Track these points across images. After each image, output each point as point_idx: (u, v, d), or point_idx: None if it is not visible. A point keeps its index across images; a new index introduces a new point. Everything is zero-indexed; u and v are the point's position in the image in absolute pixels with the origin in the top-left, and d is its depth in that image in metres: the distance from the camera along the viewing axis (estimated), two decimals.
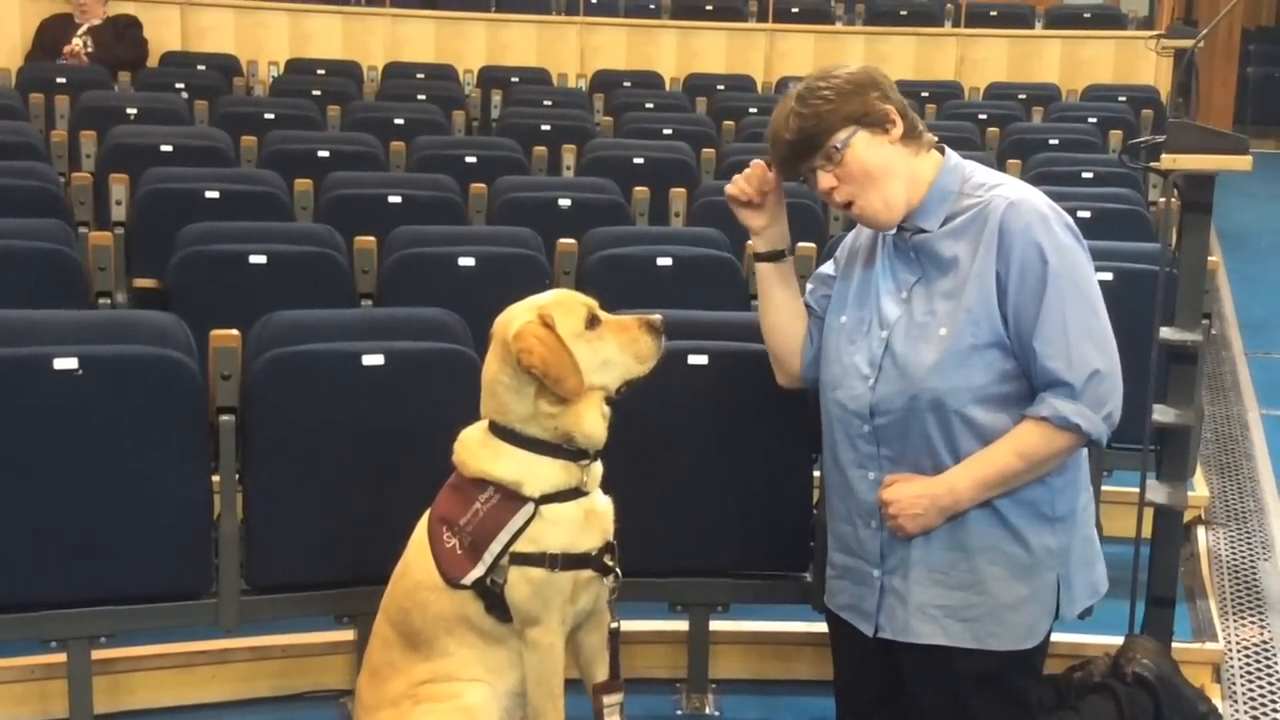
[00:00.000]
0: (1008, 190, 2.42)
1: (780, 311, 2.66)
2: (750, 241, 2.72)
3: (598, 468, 2.45)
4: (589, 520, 2.42)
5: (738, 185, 2.63)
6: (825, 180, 2.44)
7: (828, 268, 2.68)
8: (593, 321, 2.42)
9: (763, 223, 2.66)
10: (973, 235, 2.40)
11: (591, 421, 2.40)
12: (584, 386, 2.37)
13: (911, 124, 2.46)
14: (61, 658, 2.74)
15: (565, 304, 2.43)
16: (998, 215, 2.38)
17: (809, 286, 2.70)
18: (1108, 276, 3.54)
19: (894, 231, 2.49)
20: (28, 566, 2.64)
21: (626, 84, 8.48)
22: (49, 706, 2.83)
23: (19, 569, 2.64)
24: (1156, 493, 2.92)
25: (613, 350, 2.42)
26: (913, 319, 2.42)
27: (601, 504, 2.46)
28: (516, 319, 2.40)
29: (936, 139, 2.52)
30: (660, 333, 2.45)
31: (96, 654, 2.76)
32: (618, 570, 2.44)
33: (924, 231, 2.45)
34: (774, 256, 2.67)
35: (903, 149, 2.44)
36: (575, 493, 2.41)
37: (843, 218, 4.87)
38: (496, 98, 7.79)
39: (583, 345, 2.39)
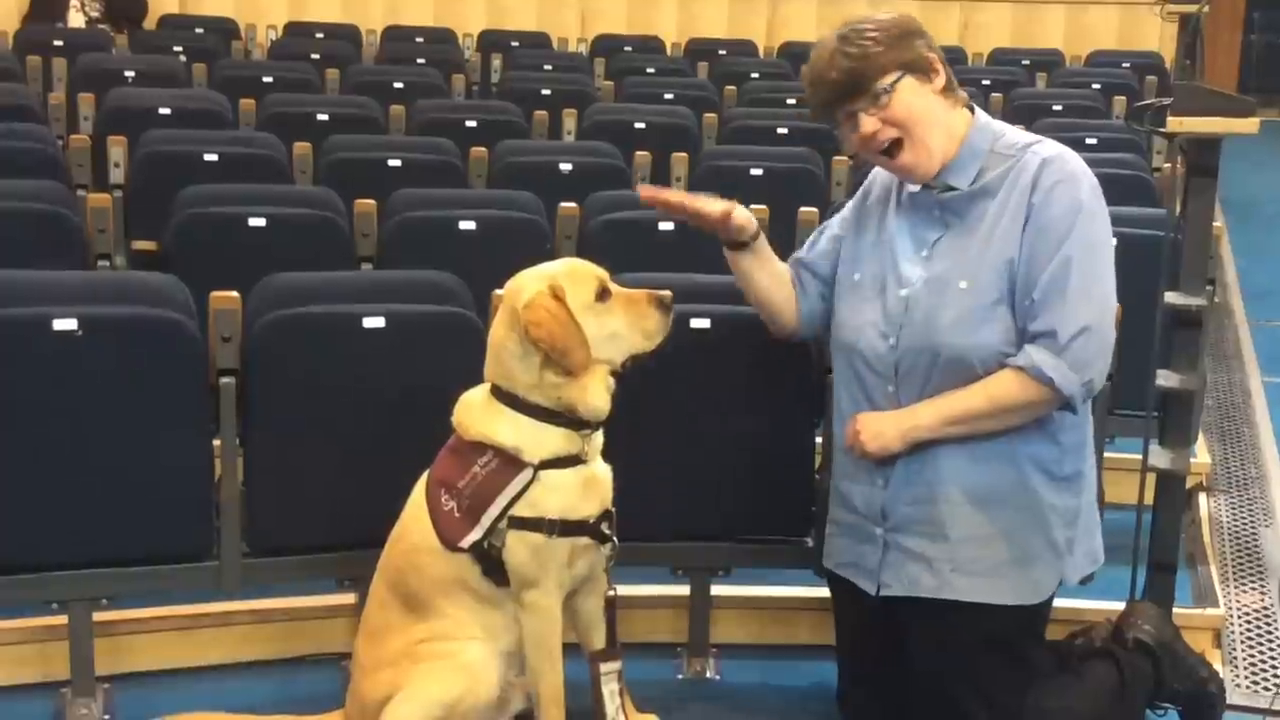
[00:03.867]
0: (1042, 148, 2.42)
1: (764, 286, 2.63)
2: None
3: (598, 437, 2.45)
4: (588, 487, 2.42)
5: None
6: (868, 124, 2.40)
7: (833, 225, 2.66)
8: (603, 294, 2.40)
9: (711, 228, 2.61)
10: (1004, 191, 2.39)
11: (596, 394, 2.39)
12: (590, 361, 2.36)
13: (949, 76, 2.45)
14: (63, 619, 2.74)
15: (576, 274, 2.41)
16: (1031, 171, 2.37)
17: (808, 241, 2.68)
18: (1112, 242, 3.53)
19: (917, 189, 2.47)
20: (29, 528, 2.64)
21: (627, 48, 8.44)
22: (50, 668, 2.83)
23: (20, 531, 2.63)
24: (1159, 458, 2.92)
25: (621, 325, 2.40)
26: (935, 276, 2.41)
27: (601, 472, 2.46)
28: (527, 288, 2.38)
29: (967, 97, 2.50)
30: (669, 309, 2.43)
31: (98, 616, 2.76)
32: (615, 539, 2.44)
33: (953, 189, 2.43)
34: (743, 245, 2.61)
35: (942, 100, 2.43)
36: (575, 460, 2.40)
37: (845, 182, 4.85)
38: (496, 62, 7.75)
39: (591, 318, 2.37)
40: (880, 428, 2.43)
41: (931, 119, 2.40)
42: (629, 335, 2.41)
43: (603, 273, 2.44)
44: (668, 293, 2.44)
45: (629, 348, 2.42)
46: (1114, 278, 2.41)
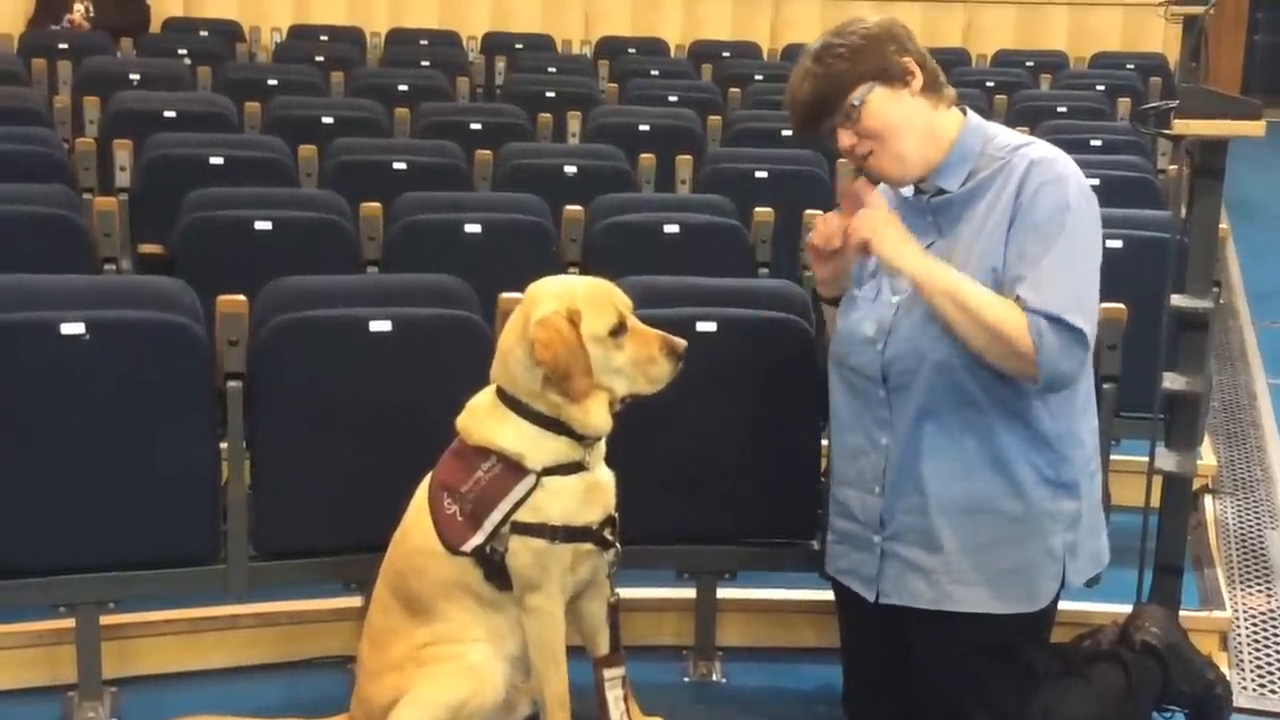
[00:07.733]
0: (1032, 150, 2.39)
1: None
2: (817, 285, 2.65)
3: (601, 444, 2.45)
4: (590, 493, 2.42)
5: (821, 234, 2.50)
6: (845, 139, 2.41)
7: None
8: (619, 329, 2.38)
9: (831, 273, 2.57)
10: (992, 195, 2.37)
11: (597, 416, 2.39)
12: (591, 389, 2.36)
13: (932, 75, 2.42)
14: (70, 623, 2.74)
15: (598, 302, 2.39)
16: (1018, 174, 2.35)
17: None
18: (1117, 244, 3.53)
19: (911, 194, 2.47)
20: (36, 532, 2.64)
21: (631, 50, 8.44)
22: (57, 672, 2.83)
23: (27, 534, 2.64)
24: (1165, 460, 2.92)
25: (627, 364, 2.39)
26: None
27: (604, 478, 2.46)
28: (545, 304, 2.37)
29: (956, 94, 2.49)
30: (680, 359, 2.41)
31: (105, 619, 2.76)
32: (618, 544, 2.44)
33: (944, 192, 2.43)
34: (837, 300, 2.63)
35: (923, 101, 2.41)
36: (577, 466, 2.40)
37: None
38: (501, 64, 7.75)
39: (600, 350, 2.36)
40: (890, 232, 2.34)
41: (907, 126, 2.38)
42: (632, 376, 2.40)
43: (626, 303, 2.42)
44: (682, 342, 2.41)
45: (630, 387, 2.41)
46: (1098, 279, 2.37)
